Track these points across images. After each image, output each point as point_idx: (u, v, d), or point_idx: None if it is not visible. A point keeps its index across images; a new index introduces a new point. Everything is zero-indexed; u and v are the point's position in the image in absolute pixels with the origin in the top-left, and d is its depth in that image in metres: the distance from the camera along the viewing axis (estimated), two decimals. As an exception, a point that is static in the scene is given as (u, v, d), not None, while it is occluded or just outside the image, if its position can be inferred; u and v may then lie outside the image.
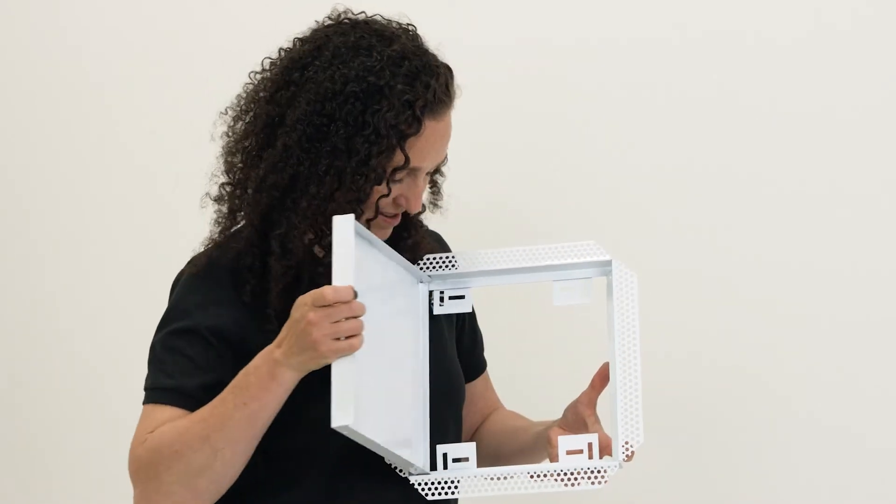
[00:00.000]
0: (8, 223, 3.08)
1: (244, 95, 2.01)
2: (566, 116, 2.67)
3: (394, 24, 1.99)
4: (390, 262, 1.99)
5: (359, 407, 1.80)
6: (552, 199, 2.67)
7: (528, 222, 2.67)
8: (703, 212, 2.58)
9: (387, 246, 1.98)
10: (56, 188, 3.04)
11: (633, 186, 2.62)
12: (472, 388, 2.19)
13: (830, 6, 2.54)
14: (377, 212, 1.95)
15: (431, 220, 2.11)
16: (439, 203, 2.08)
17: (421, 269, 2.04)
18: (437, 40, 2.02)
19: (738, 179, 2.57)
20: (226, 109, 2.03)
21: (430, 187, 2.07)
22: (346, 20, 1.99)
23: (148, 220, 2.96)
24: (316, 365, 1.82)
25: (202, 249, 2.03)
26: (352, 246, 1.83)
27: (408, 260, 2.03)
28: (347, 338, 1.80)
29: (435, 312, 2.04)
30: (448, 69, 1.98)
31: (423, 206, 2.07)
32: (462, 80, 2.03)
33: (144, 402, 1.94)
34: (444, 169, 2.06)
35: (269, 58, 2.01)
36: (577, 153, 2.66)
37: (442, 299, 2.04)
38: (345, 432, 1.80)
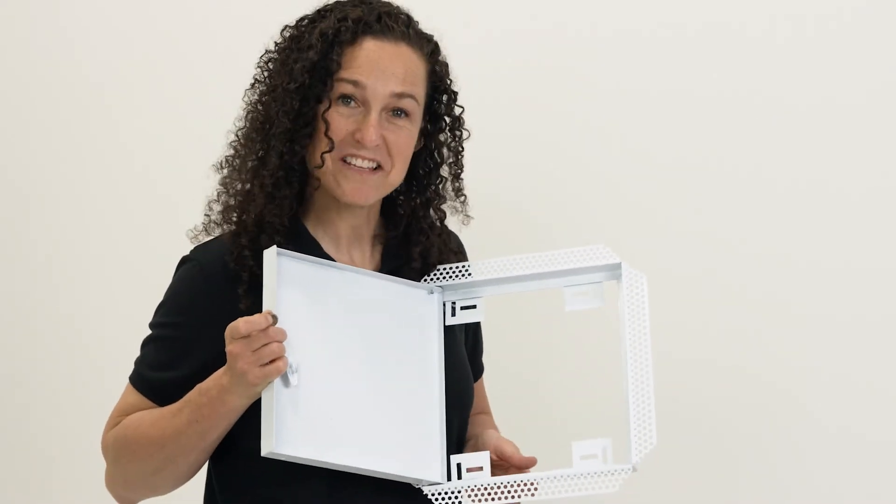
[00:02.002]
0: (8, 223, 3.07)
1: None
2: (568, 116, 2.67)
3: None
4: (368, 279, 1.98)
5: (290, 431, 1.83)
6: (553, 199, 2.66)
7: (530, 224, 2.66)
8: (706, 212, 2.58)
9: (369, 271, 1.99)
10: (56, 188, 3.03)
11: (637, 187, 2.61)
12: None
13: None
14: (331, 146, 1.95)
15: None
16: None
17: (431, 280, 2.03)
18: (440, 34, 2.03)
19: (741, 179, 2.56)
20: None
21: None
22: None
23: (148, 219, 2.96)
24: (255, 391, 1.85)
25: (219, 233, 2.04)
26: (274, 275, 1.86)
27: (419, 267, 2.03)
28: (272, 362, 1.82)
29: (447, 324, 2.03)
30: (380, 8, 1.99)
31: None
32: (463, 77, 2.03)
33: (129, 378, 2.02)
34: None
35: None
36: (580, 153, 2.65)
37: (454, 311, 2.03)
38: (277, 457, 1.84)
